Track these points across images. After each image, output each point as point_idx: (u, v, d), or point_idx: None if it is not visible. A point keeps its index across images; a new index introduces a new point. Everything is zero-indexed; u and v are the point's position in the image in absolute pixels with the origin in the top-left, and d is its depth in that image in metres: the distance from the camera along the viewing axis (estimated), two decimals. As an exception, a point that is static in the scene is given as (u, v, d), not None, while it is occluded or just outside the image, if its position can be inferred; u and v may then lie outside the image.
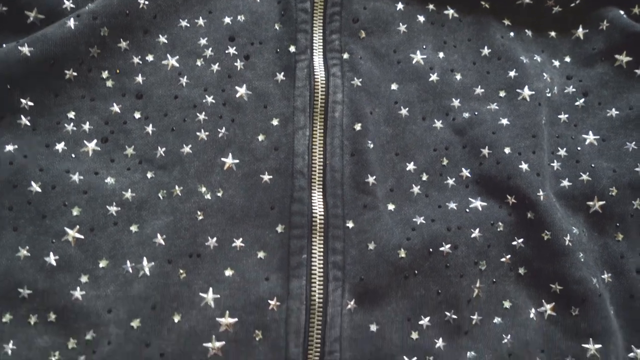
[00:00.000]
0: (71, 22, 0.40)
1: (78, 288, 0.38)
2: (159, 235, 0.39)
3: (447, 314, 0.39)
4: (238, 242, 0.40)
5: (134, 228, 0.39)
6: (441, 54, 0.46)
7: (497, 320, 0.40)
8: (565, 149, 0.44)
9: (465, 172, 0.43)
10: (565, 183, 0.43)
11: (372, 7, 0.46)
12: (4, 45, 0.41)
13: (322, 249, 0.40)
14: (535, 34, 0.48)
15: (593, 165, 0.43)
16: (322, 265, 0.39)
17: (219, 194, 0.40)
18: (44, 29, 0.40)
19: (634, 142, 0.44)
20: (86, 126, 0.41)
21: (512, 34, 0.47)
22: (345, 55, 0.44)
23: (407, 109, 0.44)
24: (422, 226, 0.41)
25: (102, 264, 0.38)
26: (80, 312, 0.37)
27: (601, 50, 0.47)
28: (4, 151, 0.39)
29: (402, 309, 0.39)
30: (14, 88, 0.40)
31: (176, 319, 0.37)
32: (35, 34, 0.40)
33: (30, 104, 0.40)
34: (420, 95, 0.45)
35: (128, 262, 0.39)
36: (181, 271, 0.39)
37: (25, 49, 0.39)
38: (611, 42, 0.47)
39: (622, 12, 0.47)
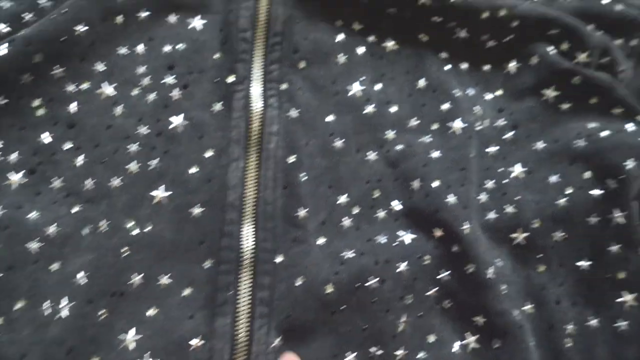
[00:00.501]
0: (3, 48, 0.40)
1: None
2: (80, 274, 0.39)
3: (373, 349, 0.40)
4: (164, 279, 0.40)
5: (55, 266, 0.39)
6: (378, 86, 0.47)
7: (421, 354, 0.41)
8: (493, 181, 0.46)
9: (396, 205, 0.45)
10: (491, 215, 0.45)
11: (312, 38, 0.47)
12: None
13: (250, 285, 0.40)
14: (471, 67, 0.50)
15: (518, 197, 0.45)
16: (249, 302, 0.40)
17: (148, 229, 0.40)
18: None
19: (557, 175, 0.46)
20: (14, 156, 0.41)
21: (447, 66, 0.49)
22: (284, 86, 0.45)
23: (342, 140, 0.45)
24: (350, 260, 0.42)
25: (19, 305, 0.38)
26: None
27: (531, 85, 0.49)
28: None
29: (328, 345, 0.40)
30: None
31: None
32: None
33: None
34: (356, 127, 0.46)
35: (46, 303, 0.38)
36: (102, 311, 0.38)
37: None
38: (540, 77, 0.49)
39: (551, 48, 0.49)
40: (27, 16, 0.43)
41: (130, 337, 0.38)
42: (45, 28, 0.41)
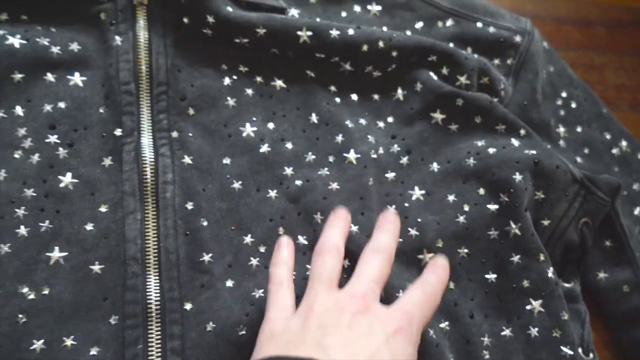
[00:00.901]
0: None
1: None
2: None
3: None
4: (69, 341, 0.38)
5: None
6: (271, 125, 0.48)
7: None
8: (394, 206, 0.48)
9: (302, 240, 0.45)
10: None
11: (199, 85, 0.47)
12: None
13: (159, 336, 0.39)
14: (360, 97, 0.52)
15: (420, 219, 0.47)
16: (159, 353, 0.39)
17: (45, 292, 0.39)
18: None
19: (453, 194, 0.48)
20: None
21: (338, 99, 0.50)
22: (175, 134, 0.45)
23: (240, 182, 0.45)
24: (261, 300, 0.41)
25: None
26: None
27: (418, 110, 0.51)
28: None
29: None
30: None
31: None
32: None
33: None
34: (253, 167, 0.46)
35: None
36: None
37: None
38: (426, 102, 0.51)
39: (432, 74, 0.52)
40: None
41: None
42: None
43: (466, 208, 0.47)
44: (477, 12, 0.56)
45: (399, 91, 0.52)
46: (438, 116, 0.51)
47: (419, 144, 0.51)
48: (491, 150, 0.49)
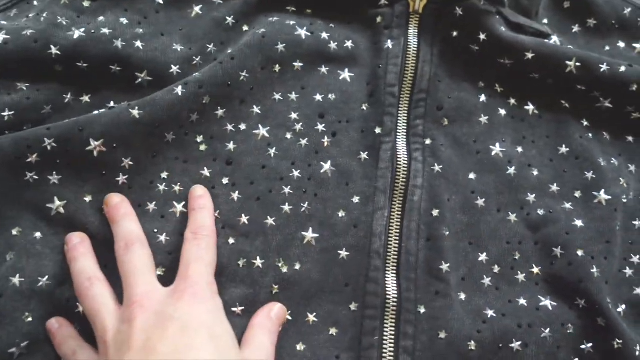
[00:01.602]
0: (179, 89, 0.44)
1: None
2: (237, 305, 0.42)
3: (516, 410, 0.41)
4: (311, 317, 0.42)
5: None
6: (520, 148, 0.49)
7: None
8: (639, 256, 0.46)
9: (536, 269, 0.45)
10: (639, 291, 0.45)
11: (456, 97, 0.49)
12: (115, 106, 0.44)
13: (393, 332, 0.41)
14: (613, 137, 0.50)
15: None
16: (392, 349, 0.41)
17: (297, 268, 0.43)
18: (153, 93, 0.44)
19: None
20: (177, 187, 0.44)
21: (590, 134, 0.50)
22: (428, 141, 0.47)
23: (483, 199, 0.46)
24: (492, 320, 0.42)
25: None
26: None
27: None
28: (102, 208, 0.42)
29: None
30: (119, 147, 0.43)
31: None
32: (146, 98, 0.43)
33: (131, 163, 0.44)
34: (497, 187, 0.47)
35: None
36: None
37: (135, 112, 0.43)
38: None
39: None
40: (196, 60, 0.48)
41: None
42: (216, 73, 0.45)
43: None
44: None
45: (658, 136, 0.50)
46: (701, 169, 0.48)
47: (674, 196, 0.48)
48: None
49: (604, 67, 0.48)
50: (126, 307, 0.37)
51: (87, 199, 0.43)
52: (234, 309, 0.41)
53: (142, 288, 0.37)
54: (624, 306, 0.44)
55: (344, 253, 0.43)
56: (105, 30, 0.45)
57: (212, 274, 0.39)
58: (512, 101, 0.50)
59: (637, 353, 0.41)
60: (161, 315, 0.36)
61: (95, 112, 0.43)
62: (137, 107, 0.43)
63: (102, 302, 0.37)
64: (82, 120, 0.42)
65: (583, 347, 0.42)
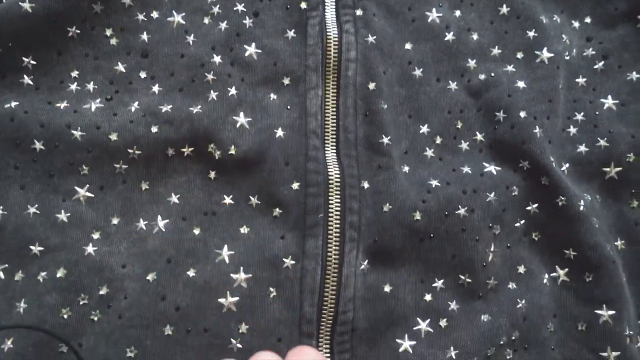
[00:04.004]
0: None
1: (90, 244, 0.40)
2: (173, 195, 0.42)
3: (462, 277, 0.42)
4: (254, 200, 0.42)
5: (144, 186, 0.42)
6: (457, 12, 0.48)
7: (511, 285, 0.43)
8: (582, 113, 0.47)
9: (480, 136, 0.45)
10: (582, 148, 0.46)
11: None
12: (4, 1, 0.42)
13: (338, 209, 0.42)
14: None
15: (611, 130, 0.46)
16: (338, 225, 0.42)
17: (232, 152, 0.42)
18: None
19: None
20: (90, 86, 0.43)
21: None
22: (359, 12, 0.46)
23: (421, 69, 0.46)
24: (437, 189, 0.43)
25: (114, 221, 0.41)
26: (93, 268, 0.40)
27: (624, 11, 0.49)
28: (4, 107, 0.41)
29: (415, 271, 0.42)
30: (15, 46, 0.41)
31: (191, 273, 0.40)
32: None
33: (33, 62, 0.42)
34: (435, 55, 0.47)
35: (141, 220, 0.41)
36: (196, 228, 0.41)
37: (27, 5, 0.40)
38: (634, 2, 0.48)
39: None
40: None
41: (225, 252, 0.41)
42: None
43: None
44: None
45: (603, -12, 0.50)
46: (646, 19, 0.48)
47: (618, 49, 0.49)
48: None
49: None
50: None
51: None
52: (169, 199, 0.42)
53: None
54: (567, 164, 0.46)
55: (280, 132, 0.43)
56: None
57: None
58: None
59: (581, 208, 0.43)
60: None
61: None
62: (27, 0, 0.41)
63: None
64: None
65: (528, 208, 0.44)
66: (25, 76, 0.42)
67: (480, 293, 0.42)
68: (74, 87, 0.43)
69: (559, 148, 0.45)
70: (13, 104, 0.41)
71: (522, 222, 0.44)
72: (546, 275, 0.43)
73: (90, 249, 0.40)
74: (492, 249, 0.42)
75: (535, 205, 0.44)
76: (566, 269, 0.43)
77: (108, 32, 0.44)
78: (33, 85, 0.42)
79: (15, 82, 0.42)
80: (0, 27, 0.40)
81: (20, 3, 0.40)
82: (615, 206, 0.45)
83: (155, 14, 0.44)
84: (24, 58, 0.42)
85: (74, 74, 0.43)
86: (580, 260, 0.43)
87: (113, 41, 0.44)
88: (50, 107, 0.42)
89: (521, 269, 0.43)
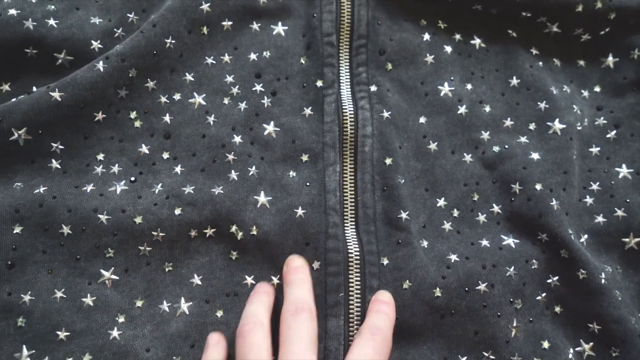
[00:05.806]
0: (100, 65, 0.44)
1: (115, 328, 0.41)
2: (195, 276, 0.43)
3: (485, 354, 0.42)
4: (275, 280, 0.43)
5: (167, 267, 0.43)
6: (469, 86, 0.50)
7: None
8: (598, 183, 0.48)
9: (497, 208, 0.47)
10: (600, 219, 0.47)
11: (398, 39, 0.50)
12: (35, 90, 0.44)
13: (359, 287, 0.43)
14: (564, 63, 0.52)
15: (628, 200, 0.47)
16: (359, 304, 0.43)
17: (253, 232, 0.44)
18: (73, 72, 0.44)
19: None
20: (115, 168, 0.45)
21: (540, 63, 0.51)
22: (373, 88, 0.48)
23: (436, 143, 0.48)
24: (456, 264, 0.44)
25: (139, 303, 0.42)
26: (117, 352, 0.41)
27: (632, 80, 0.51)
28: (32, 193, 0.43)
29: (438, 348, 0.43)
30: (45, 133, 0.43)
31: None
32: (65, 78, 0.43)
33: (61, 147, 0.44)
34: (449, 128, 0.48)
35: (164, 302, 0.43)
36: (219, 311, 0.43)
37: (56, 94, 0.43)
38: None
39: None
40: (118, 32, 0.48)
41: None
42: (138, 43, 0.45)
43: None
44: None
45: (610, 58, 0.52)
46: (655, 88, 0.50)
47: (629, 118, 0.50)
48: None
49: (548, -11, 0.49)
50: None
51: (18, 188, 0.43)
52: (192, 280, 0.43)
53: (298, 357, 0.37)
54: (586, 236, 0.47)
55: (300, 211, 0.44)
56: (13, 12, 0.45)
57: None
58: (457, 36, 0.51)
59: (603, 281, 0.43)
60: None
61: (14, 100, 0.43)
62: (57, 89, 0.43)
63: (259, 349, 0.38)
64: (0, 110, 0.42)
65: (549, 281, 0.45)
66: (53, 160, 0.44)
67: None
68: (99, 169, 0.45)
69: (577, 219, 0.47)
70: (42, 189, 0.43)
71: (544, 294, 0.44)
72: (571, 350, 0.44)
73: (115, 332, 0.41)
74: (514, 324, 0.43)
75: (555, 278, 0.45)
76: (591, 343, 0.44)
77: (132, 115, 0.46)
78: (61, 169, 0.44)
79: (44, 167, 0.44)
80: (31, 116, 0.42)
81: (50, 92, 0.43)
82: (636, 277, 0.46)
83: (177, 96, 0.47)
84: (52, 143, 0.44)
85: (100, 156, 0.45)
86: (605, 334, 0.43)
87: (137, 123, 0.46)
88: (77, 191, 0.43)
89: (545, 344, 0.43)
